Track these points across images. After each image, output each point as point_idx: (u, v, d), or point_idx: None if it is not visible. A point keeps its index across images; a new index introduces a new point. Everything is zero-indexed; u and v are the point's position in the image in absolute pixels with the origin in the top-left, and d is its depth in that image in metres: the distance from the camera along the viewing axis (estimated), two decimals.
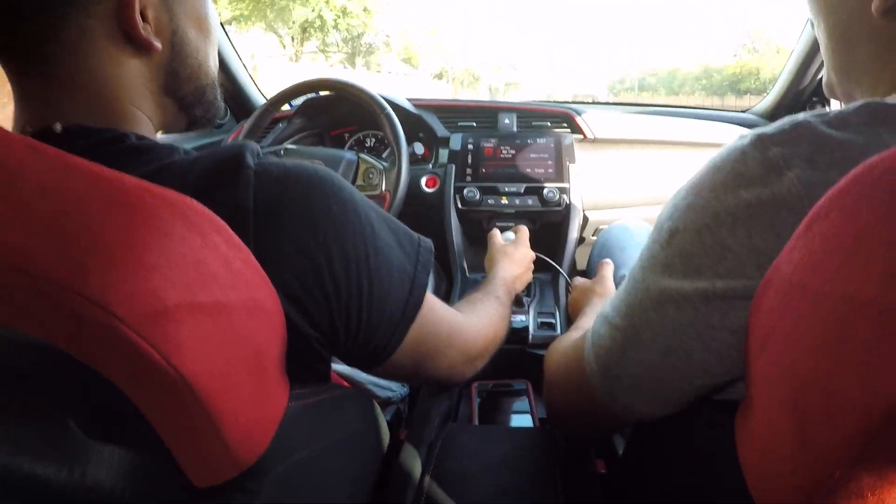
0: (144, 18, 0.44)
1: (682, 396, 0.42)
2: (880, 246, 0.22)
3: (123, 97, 0.45)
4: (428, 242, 0.54)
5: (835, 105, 1.38)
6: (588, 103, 1.85)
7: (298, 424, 0.41)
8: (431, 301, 0.54)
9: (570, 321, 1.04)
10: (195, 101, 0.52)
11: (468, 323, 0.66)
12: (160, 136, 0.51)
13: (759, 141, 0.35)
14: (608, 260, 0.98)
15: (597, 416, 0.51)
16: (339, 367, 0.78)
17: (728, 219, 0.35)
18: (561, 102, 1.76)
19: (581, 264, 1.34)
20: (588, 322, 0.77)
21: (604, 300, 0.88)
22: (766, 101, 1.52)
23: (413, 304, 0.50)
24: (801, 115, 0.36)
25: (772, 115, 1.50)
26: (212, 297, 0.31)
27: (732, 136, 1.21)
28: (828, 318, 0.24)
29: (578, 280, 1.02)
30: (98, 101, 0.44)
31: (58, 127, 0.41)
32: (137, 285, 0.27)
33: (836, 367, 0.23)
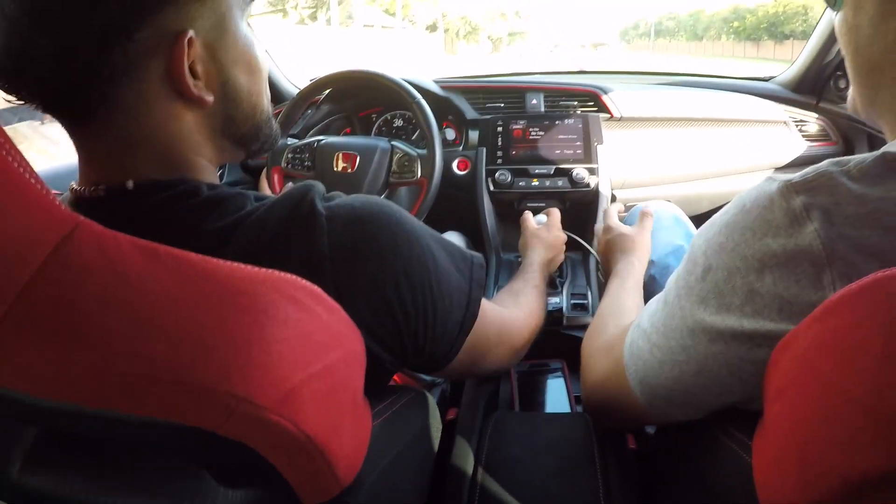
0: (194, 74, 0.45)
1: (709, 407, 0.49)
2: (874, 359, 0.29)
3: (185, 148, 0.48)
4: (479, 258, 0.59)
5: None
6: (609, 73, 1.86)
7: (380, 438, 0.47)
8: (483, 307, 0.59)
9: (601, 285, 1.09)
10: (252, 138, 0.54)
11: (513, 318, 0.72)
12: None
13: (786, 189, 0.39)
14: (650, 211, 0.98)
15: (635, 415, 0.57)
16: None
17: (756, 264, 0.40)
18: (586, 73, 1.77)
19: None
20: (621, 293, 0.80)
21: (640, 255, 0.89)
22: (790, 72, 1.53)
23: (470, 318, 0.56)
24: (824, 164, 0.40)
25: (796, 86, 1.51)
26: (321, 364, 0.36)
27: (757, 111, 1.25)
28: (827, 398, 0.31)
29: (612, 219, 1.00)
30: (162, 156, 0.46)
31: (130, 184, 0.44)
32: (272, 375, 0.33)
33: (827, 438, 0.30)
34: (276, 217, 0.45)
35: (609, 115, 1.38)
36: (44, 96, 0.42)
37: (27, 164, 0.30)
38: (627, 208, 1.38)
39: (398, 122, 1.54)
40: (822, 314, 0.33)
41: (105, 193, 0.44)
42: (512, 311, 0.74)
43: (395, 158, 1.22)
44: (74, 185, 0.46)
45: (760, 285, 0.39)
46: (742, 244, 0.41)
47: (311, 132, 1.50)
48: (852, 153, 1.39)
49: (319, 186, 0.48)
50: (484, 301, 0.60)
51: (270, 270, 0.36)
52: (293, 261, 0.40)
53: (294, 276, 0.37)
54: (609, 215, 1.02)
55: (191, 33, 0.43)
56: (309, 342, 0.36)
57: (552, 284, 1.15)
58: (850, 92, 0.51)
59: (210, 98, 0.47)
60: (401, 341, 0.49)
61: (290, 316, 0.35)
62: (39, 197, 0.29)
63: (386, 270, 0.46)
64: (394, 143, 1.23)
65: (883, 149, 0.40)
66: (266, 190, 1.26)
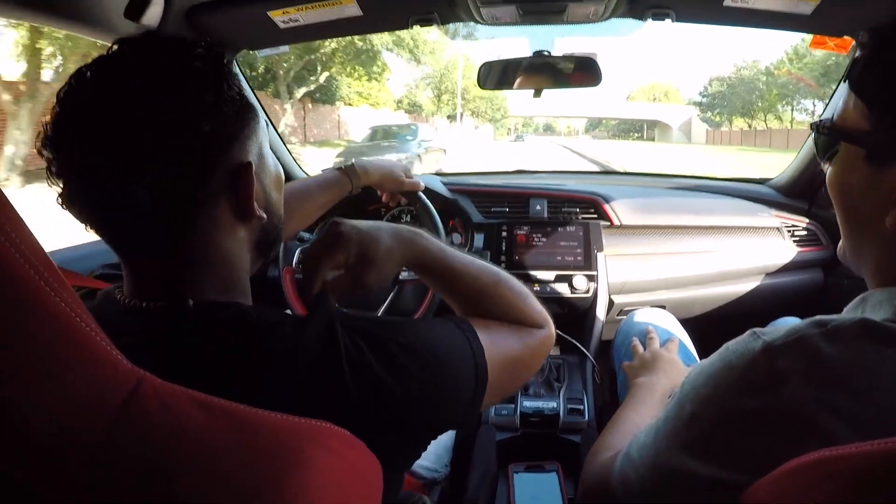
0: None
1: None
2: None
3: (236, 266, 0.55)
4: (467, 322, 0.64)
5: None
6: (609, 174, 2.06)
7: None
8: (490, 350, 0.62)
9: (611, 393, 1.23)
10: (274, 244, 0.62)
11: (510, 333, 0.71)
12: None
13: (768, 351, 0.46)
14: (654, 335, 1.13)
15: None
16: None
17: (737, 420, 0.46)
18: (587, 173, 1.97)
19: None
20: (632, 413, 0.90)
21: (668, 372, 1.01)
22: (783, 177, 1.73)
23: (481, 379, 0.59)
24: (804, 327, 0.46)
25: (788, 190, 1.71)
26: (349, 499, 0.44)
27: (751, 219, 1.58)
28: None
29: (643, 357, 1.10)
30: (219, 275, 0.53)
31: (190, 303, 0.50)
32: None
33: None
34: (312, 343, 0.50)
35: (609, 223, 1.56)
36: (137, 241, 0.50)
37: (87, 315, 0.35)
38: (622, 312, 1.53)
39: (406, 219, 1.71)
40: (781, 476, 0.41)
41: (163, 308, 0.50)
42: (501, 329, 0.71)
43: None
44: (120, 294, 0.52)
45: (739, 439, 0.46)
46: (727, 399, 0.48)
47: (320, 227, 1.67)
48: None
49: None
50: (489, 342, 0.62)
51: (309, 421, 0.42)
52: (325, 383, 0.48)
53: (328, 425, 0.43)
54: (641, 352, 1.12)
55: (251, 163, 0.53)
56: (340, 485, 0.43)
57: (549, 387, 1.29)
58: (841, 241, 0.60)
59: (264, 215, 0.56)
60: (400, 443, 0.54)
61: (325, 464, 0.42)
62: (105, 352, 0.35)
63: (387, 372, 0.51)
64: None
65: (861, 314, 0.49)
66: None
